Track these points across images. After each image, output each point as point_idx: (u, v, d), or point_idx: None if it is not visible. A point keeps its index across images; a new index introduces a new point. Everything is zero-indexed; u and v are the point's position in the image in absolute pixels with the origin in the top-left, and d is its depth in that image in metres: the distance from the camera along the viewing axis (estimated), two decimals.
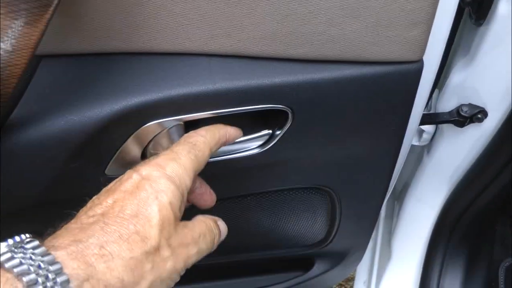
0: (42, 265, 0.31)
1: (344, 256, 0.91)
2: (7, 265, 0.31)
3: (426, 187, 0.99)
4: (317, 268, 0.94)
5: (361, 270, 1.27)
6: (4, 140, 0.46)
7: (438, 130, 0.87)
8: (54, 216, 0.39)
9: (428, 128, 0.86)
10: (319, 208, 0.78)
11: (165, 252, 0.38)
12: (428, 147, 0.94)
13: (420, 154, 0.99)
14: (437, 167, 0.93)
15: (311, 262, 0.94)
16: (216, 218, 0.47)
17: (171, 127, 0.52)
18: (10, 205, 0.52)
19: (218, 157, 0.58)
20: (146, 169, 0.41)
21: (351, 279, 1.61)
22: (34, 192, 0.53)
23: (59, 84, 0.49)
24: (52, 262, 0.32)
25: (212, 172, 0.51)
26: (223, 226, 0.47)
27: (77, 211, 0.40)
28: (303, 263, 0.95)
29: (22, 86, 0.47)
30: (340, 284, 1.58)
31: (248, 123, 0.57)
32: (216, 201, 0.54)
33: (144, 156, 0.55)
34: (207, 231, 0.44)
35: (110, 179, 0.44)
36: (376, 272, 1.18)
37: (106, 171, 0.54)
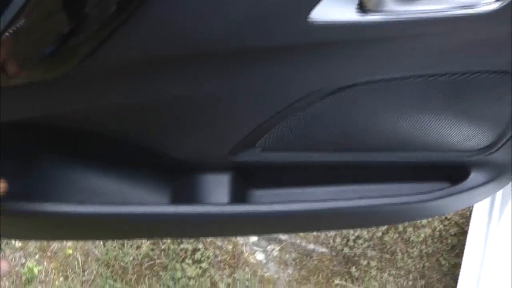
0: None
1: (504, 169, 0.78)
2: None
3: None
4: (472, 180, 0.78)
5: None
6: None
7: None
8: None
9: None
10: (496, 101, 0.65)
11: None
12: None
13: None
14: None
15: (466, 172, 0.78)
16: None
17: None
18: None
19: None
20: None
21: None
22: None
23: None
24: None
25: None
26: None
27: None
28: (454, 172, 0.79)
29: None
30: None
31: None
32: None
33: None
34: None
35: None
36: (500, 198, 1.09)
37: None
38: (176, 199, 0.77)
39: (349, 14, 0.50)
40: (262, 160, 0.74)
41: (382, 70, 0.58)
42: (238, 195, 0.79)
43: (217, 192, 0.77)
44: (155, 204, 0.76)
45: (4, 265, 0.52)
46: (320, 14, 0.49)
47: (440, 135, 0.69)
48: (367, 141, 0.70)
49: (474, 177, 0.77)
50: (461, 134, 0.69)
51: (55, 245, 1.78)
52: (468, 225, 1.76)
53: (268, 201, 0.81)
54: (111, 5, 0.46)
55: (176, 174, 0.78)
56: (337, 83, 0.60)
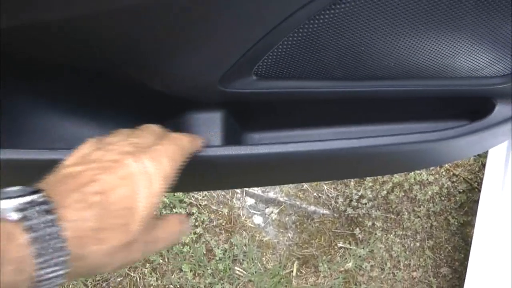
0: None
1: None
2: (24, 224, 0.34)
3: None
4: (498, 113, 0.65)
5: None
6: None
7: None
8: None
9: None
10: None
11: (139, 246, 0.41)
12: None
13: None
14: None
15: (490, 104, 0.65)
16: (183, 217, 0.49)
17: None
18: None
19: None
20: (147, 160, 0.43)
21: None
22: None
23: None
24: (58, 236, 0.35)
25: None
26: (187, 225, 0.50)
27: None
28: (477, 105, 0.67)
29: None
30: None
31: None
32: None
33: None
34: (175, 231, 0.47)
35: None
36: None
37: None
38: None
39: None
40: (257, 91, 0.60)
41: None
42: (232, 139, 0.67)
43: (208, 134, 0.65)
44: None
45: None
46: None
47: (460, 57, 0.57)
48: (379, 65, 0.58)
49: (500, 110, 0.65)
50: (484, 57, 0.58)
51: None
52: (477, 181, 1.66)
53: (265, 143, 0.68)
54: None
55: (163, 115, 0.66)
56: None
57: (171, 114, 0.64)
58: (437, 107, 0.68)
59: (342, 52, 0.56)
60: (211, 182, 0.81)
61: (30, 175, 0.62)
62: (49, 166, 0.55)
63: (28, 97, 0.67)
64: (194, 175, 0.65)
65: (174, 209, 1.62)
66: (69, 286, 1.59)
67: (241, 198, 1.65)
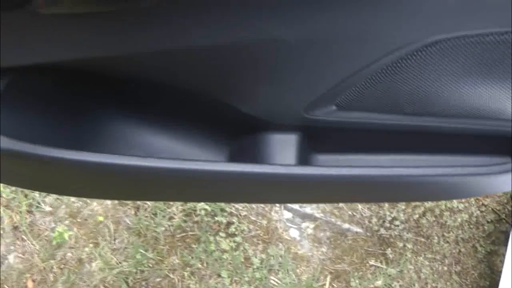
0: None
1: None
2: None
3: None
4: None
5: None
6: None
7: None
8: None
9: None
10: None
11: None
12: None
13: None
14: None
15: None
16: None
17: None
18: None
19: None
20: None
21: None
22: None
23: None
24: None
25: None
26: None
27: None
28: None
29: None
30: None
31: None
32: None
33: None
34: None
35: None
36: None
37: None
38: (234, 160, 0.74)
39: None
40: (335, 119, 0.70)
41: (472, 23, 0.55)
42: (304, 159, 0.76)
43: (282, 154, 0.74)
44: (215, 162, 0.73)
45: None
46: None
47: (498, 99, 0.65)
48: (443, 105, 0.66)
49: None
50: None
51: (85, 211, 1.76)
52: (504, 213, 1.74)
53: (335, 165, 0.77)
54: None
55: (237, 132, 0.75)
56: (430, 37, 0.57)
57: (248, 132, 0.73)
58: (484, 143, 0.75)
59: (415, 92, 0.65)
60: (275, 198, 0.90)
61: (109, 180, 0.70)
62: (126, 171, 0.63)
63: (116, 107, 0.75)
64: (264, 190, 0.74)
65: (215, 217, 1.71)
66: (110, 281, 1.68)
67: (279, 211, 1.74)
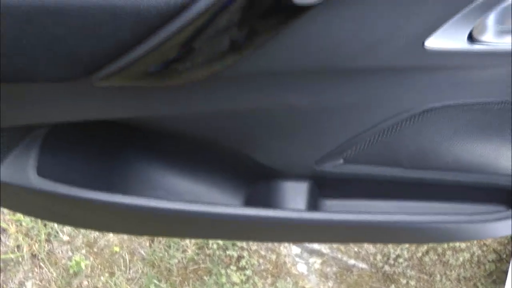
0: None
1: None
2: None
3: None
4: None
5: None
6: None
7: None
8: None
9: None
10: None
11: None
12: None
13: None
14: None
15: None
16: None
17: None
18: None
19: None
20: None
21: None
22: None
23: None
24: None
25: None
26: None
27: None
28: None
29: None
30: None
31: None
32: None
33: None
34: None
35: None
36: None
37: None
38: (250, 203, 0.82)
39: (460, 42, 0.56)
40: (342, 172, 0.79)
41: (466, 94, 0.65)
42: (313, 204, 0.84)
43: (293, 199, 0.82)
44: (233, 206, 0.81)
45: None
46: (434, 41, 0.55)
47: (506, 160, 0.75)
48: (439, 161, 0.76)
49: None
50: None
51: (102, 241, 1.83)
52: (505, 253, 1.80)
53: (341, 211, 0.86)
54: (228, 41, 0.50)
55: (253, 179, 0.82)
56: (426, 105, 0.66)
57: (263, 178, 0.81)
58: (480, 193, 0.82)
59: (414, 149, 0.75)
60: (286, 238, 0.98)
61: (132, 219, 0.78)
62: (153, 212, 0.71)
63: (144, 152, 0.83)
64: (277, 232, 0.82)
65: (227, 251, 1.78)
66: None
67: (288, 247, 1.81)
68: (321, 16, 0.50)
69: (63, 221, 0.90)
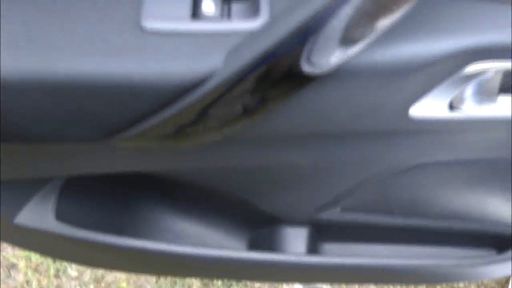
0: None
1: None
2: None
3: None
4: None
5: None
6: None
7: None
8: None
9: None
10: None
11: None
12: None
13: None
14: None
15: (511, 242, 0.85)
16: None
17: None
18: None
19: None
20: None
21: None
22: None
23: None
24: None
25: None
26: None
27: None
28: (500, 242, 0.87)
29: None
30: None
31: None
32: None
33: None
34: None
35: None
36: None
37: None
38: (253, 246, 0.88)
39: (442, 110, 0.63)
40: (339, 219, 0.85)
41: (451, 153, 0.71)
42: (312, 248, 0.89)
43: (294, 244, 0.87)
44: (240, 249, 0.86)
45: None
46: (418, 109, 0.62)
47: (491, 209, 0.82)
48: (429, 209, 0.83)
49: None
50: (508, 209, 0.81)
51: (109, 277, 1.88)
52: None
53: (338, 254, 0.92)
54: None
55: (257, 224, 0.88)
56: (417, 160, 0.73)
57: (266, 223, 0.87)
58: (470, 239, 0.89)
59: (407, 199, 0.81)
60: (288, 279, 1.04)
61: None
62: (164, 255, 0.76)
63: (153, 198, 0.89)
64: (278, 273, 0.88)
65: (231, 287, 1.82)
66: None
67: (290, 284, 1.85)
68: (321, 87, 0.57)
69: (76, 260, 0.96)
